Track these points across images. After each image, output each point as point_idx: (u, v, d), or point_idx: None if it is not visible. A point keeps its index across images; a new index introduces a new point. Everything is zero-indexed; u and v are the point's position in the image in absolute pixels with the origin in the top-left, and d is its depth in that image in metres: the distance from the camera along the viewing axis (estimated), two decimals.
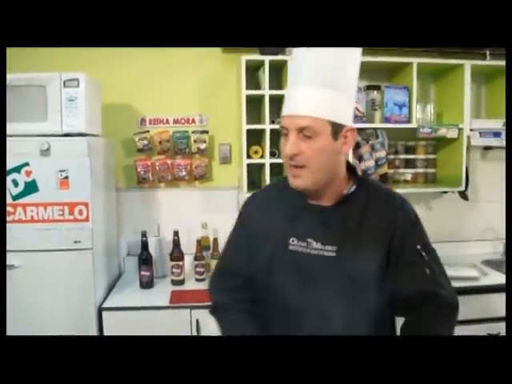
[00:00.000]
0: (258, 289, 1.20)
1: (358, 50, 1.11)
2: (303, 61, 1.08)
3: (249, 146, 2.34)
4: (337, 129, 1.05)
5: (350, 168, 1.19)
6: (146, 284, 2.28)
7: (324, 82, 1.04)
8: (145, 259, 2.29)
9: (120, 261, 2.57)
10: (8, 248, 1.90)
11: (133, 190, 2.60)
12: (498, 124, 2.51)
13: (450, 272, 2.27)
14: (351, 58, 1.09)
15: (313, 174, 1.07)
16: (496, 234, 2.84)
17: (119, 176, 2.59)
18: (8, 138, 1.92)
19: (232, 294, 1.24)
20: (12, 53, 1.99)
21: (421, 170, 2.70)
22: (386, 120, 2.47)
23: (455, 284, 2.15)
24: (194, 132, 2.53)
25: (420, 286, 1.11)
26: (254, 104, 2.39)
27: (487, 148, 2.75)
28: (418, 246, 1.14)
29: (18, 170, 1.94)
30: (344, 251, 1.10)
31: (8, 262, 1.91)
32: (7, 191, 1.93)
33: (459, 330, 2.12)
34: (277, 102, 2.30)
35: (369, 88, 2.52)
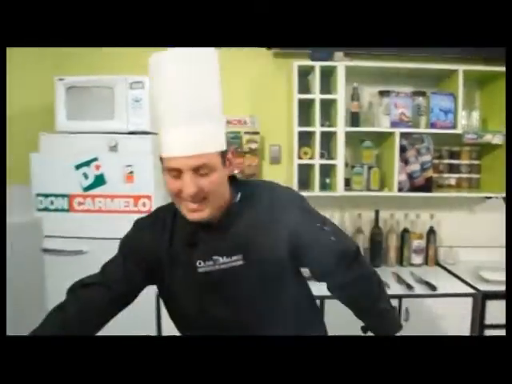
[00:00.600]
0: (176, 318, 1.24)
1: (214, 70, 1.06)
2: (171, 101, 1.01)
3: (298, 147, 2.44)
4: (224, 156, 1.07)
5: (232, 178, 1.19)
6: None
7: (200, 115, 1.01)
8: None
9: None
10: (77, 235, 2.10)
11: None
12: None
13: (493, 277, 2.32)
14: (212, 80, 1.05)
15: (212, 204, 1.07)
16: None
17: None
18: (79, 135, 2.12)
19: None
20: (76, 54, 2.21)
21: (465, 175, 2.72)
22: (432, 125, 2.52)
23: (497, 288, 2.22)
24: (246, 133, 2.66)
25: (333, 255, 1.18)
26: (302, 107, 2.48)
27: None
28: (317, 224, 1.19)
29: (88, 164, 2.10)
30: (250, 256, 1.12)
31: (77, 248, 2.09)
32: (78, 183, 2.10)
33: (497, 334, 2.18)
34: (325, 106, 2.45)
35: (415, 94, 2.56)
